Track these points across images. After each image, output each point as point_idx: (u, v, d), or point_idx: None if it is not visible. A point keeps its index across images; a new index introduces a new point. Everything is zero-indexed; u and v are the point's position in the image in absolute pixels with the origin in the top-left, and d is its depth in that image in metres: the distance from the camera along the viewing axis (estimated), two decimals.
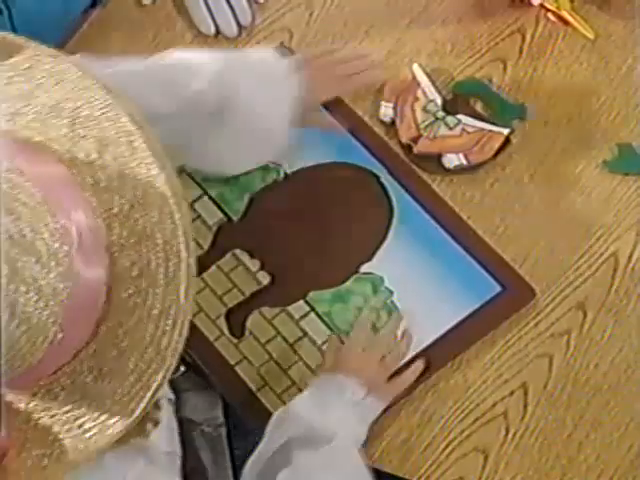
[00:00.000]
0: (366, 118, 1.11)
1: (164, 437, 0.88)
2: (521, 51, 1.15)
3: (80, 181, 0.64)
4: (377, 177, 1.08)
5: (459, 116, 1.10)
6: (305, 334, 1.02)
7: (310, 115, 1.02)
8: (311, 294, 1.04)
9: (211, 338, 1.02)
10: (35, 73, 0.66)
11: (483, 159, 1.09)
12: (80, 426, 0.66)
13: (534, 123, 1.11)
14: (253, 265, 1.05)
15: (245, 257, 1.05)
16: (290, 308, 1.03)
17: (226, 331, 1.03)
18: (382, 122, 1.11)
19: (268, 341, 1.03)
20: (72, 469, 0.66)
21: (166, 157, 0.64)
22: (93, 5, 1.19)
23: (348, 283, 1.04)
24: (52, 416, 0.67)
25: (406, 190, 1.08)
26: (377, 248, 1.05)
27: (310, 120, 1.02)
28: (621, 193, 1.08)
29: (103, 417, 0.66)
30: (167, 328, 0.64)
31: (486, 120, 1.11)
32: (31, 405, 0.67)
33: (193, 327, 1.02)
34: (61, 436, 0.67)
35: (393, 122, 1.11)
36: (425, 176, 1.09)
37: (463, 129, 1.10)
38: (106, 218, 0.64)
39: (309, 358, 1.01)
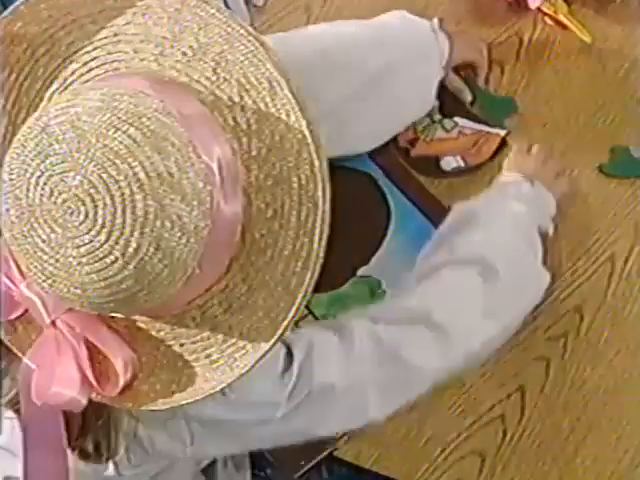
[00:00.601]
0: None
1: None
2: (518, 55, 1.16)
3: (222, 122, 0.66)
4: (374, 180, 1.09)
5: (456, 118, 1.11)
6: None
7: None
8: (309, 297, 1.03)
9: None
10: (184, 15, 0.67)
11: (481, 161, 1.09)
12: (208, 356, 0.69)
13: (531, 126, 1.11)
14: None
15: None
16: None
17: None
18: None
19: None
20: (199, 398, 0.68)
21: (307, 105, 0.66)
22: None
23: (345, 286, 1.04)
24: (181, 345, 0.69)
25: (403, 193, 1.08)
26: (374, 251, 1.06)
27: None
28: (618, 196, 1.08)
29: (230, 350, 0.68)
30: (297, 269, 0.66)
31: (483, 122, 1.11)
32: (162, 333, 0.70)
33: None
34: (189, 364, 0.69)
35: None
36: (422, 179, 1.09)
37: (460, 131, 1.10)
38: (245, 160, 0.66)
39: None
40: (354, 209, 1.07)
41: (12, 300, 0.70)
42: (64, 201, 0.60)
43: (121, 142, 0.60)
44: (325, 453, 0.96)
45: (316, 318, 1.03)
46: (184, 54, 0.68)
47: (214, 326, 0.68)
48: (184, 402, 0.69)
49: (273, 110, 0.66)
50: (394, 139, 1.10)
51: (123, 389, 0.69)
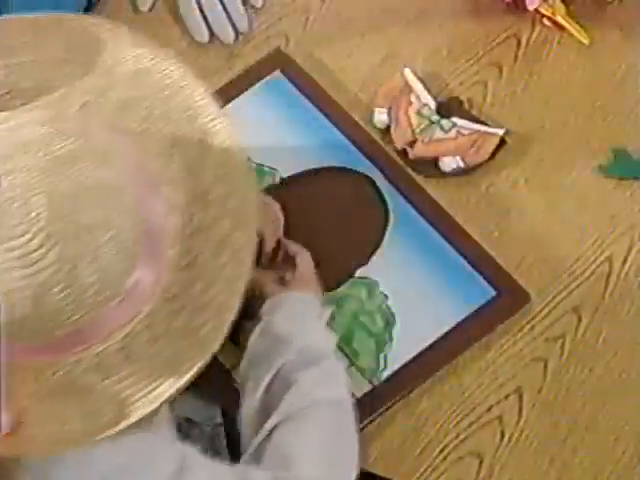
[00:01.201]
0: (362, 123, 1.12)
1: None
2: (517, 56, 1.16)
3: (151, 172, 0.67)
4: (372, 181, 1.09)
5: (454, 119, 1.11)
6: None
7: None
8: None
9: None
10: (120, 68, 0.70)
11: (480, 161, 1.09)
12: (125, 389, 0.67)
13: (530, 127, 1.11)
14: None
15: None
16: None
17: None
18: (377, 129, 1.12)
19: None
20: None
21: (241, 154, 0.68)
22: (87, 9, 1.19)
23: (343, 287, 1.04)
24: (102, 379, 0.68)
25: (401, 194, 1.08)
26: (372, 252, 1.06)
27: None
28: (616, 198, 1.08)
29: (127, 400, 0.66)
30: (210, 318, 0.66)
31: (480, 122, 1.11)
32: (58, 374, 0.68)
33: None
34: (83, 408, 0.67)
35: (388, 128, 1.11)
36: (420, 180, 1.09)
37: (458, 132, 1.10)
38: (171, 209, 0.67)
39: None
40: (352, 210, 1.08)
41: None
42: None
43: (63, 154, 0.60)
44: None
45: None
46: (116, 104, 0.69)
47: (109, 375, 0.67)
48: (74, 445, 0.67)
49: (203, 161, 0.67)
50: (391, 141, 1.10)
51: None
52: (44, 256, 0.59)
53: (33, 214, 0.60)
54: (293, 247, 1.01)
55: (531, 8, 1.14)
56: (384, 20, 1.18)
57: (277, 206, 1.03)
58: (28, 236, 0.59)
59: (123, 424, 0.66)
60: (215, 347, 0.67)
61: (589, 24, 1.15)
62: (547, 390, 1.00)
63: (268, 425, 0.87)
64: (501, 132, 1.10)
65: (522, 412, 1.00)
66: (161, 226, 0.66)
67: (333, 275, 1.04)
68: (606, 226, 1.07)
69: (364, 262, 1.05)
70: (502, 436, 0.99)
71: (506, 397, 1.00)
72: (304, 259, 1.00)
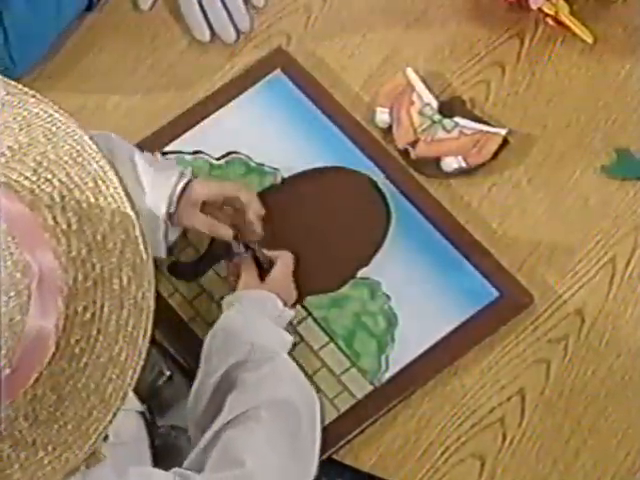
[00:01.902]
0: (364, 123, 1.11)
1: (130, 452, 0.87)
2: (519, 55, 1.15)
3: (42, 222, 0.64)
4: (374, 182, 1.08)
5: (456, 118, 1.10)
6: (302, 339, 1.02)
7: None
8: (308, 299, 1.03)
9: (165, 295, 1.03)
10: (4, 116, 0.67)
11: (482, 161, 1.09)
12: (7, 477, 0.64)
13: (533, 127, 1.11)
14: None
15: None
16: None
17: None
18: (379, 128, 1.11)
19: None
20: None
21: (133, 202, 0.65)
22: (88, 9, 1.19)
23: (345, 288, 1.04)
24: None
25: (404, 194, 1.07)
26: (374, 253, 1.05)
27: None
28: (619, 198, 1.07)
29: (33, 467, 0.64)
30: (113, 376, 0.63)
31: (483, 122, 1.10)
32: None
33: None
34: None
35: (390, 128, 1.11)
36: (423, 180, 1.09)
37: (460, 131, 1.10)
38: (63, 261, 0.64)
39: (305, 363, 1.00)
40: (353, 210, 1.08)
41: None
42: None
43: None
44: (324, 456, 0.95)
45: (315, 320, 1.02)
46: (2, 154, 0.66)
47: (16, 442, 0.64)
48: None
49: (96, 210, 0.64)
50: (393, 141, 1.10)
51: None
52: None
53: None
54: (275, 252, 1.02)
55: (534, 7, 1.13)
56: (386, 19, 1.18)
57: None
58: None
59: None
60: (118, 405, 0.64)
61: (593, 23, 1.15)
62: (550, 392, 1.00)
63: (215, 426, 0.87)
64: (504, 132, 1.09)
65: (524, 414, 0.99)
66: (54, 276, 0.63)
67: (335, 276, 1.04)
68: (609, 227, 1.06)
69: (366, 263, 1.05)
70: (504, 438, 0.99)
71: (508, 399, 1.00)
72: (283, 261, 1.01)
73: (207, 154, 1.11)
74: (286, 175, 1.09)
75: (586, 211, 1.07)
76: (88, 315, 0.63)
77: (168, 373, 0.99)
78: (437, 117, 1.10)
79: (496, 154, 1.09)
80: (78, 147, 0.65)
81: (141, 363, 0.64)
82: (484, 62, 1.15)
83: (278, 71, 1.15)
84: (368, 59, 1.16)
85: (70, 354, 0.63)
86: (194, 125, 1.13)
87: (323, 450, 0.94)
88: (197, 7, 1.16)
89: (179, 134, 1.12)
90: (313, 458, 0.90)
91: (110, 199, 0.64)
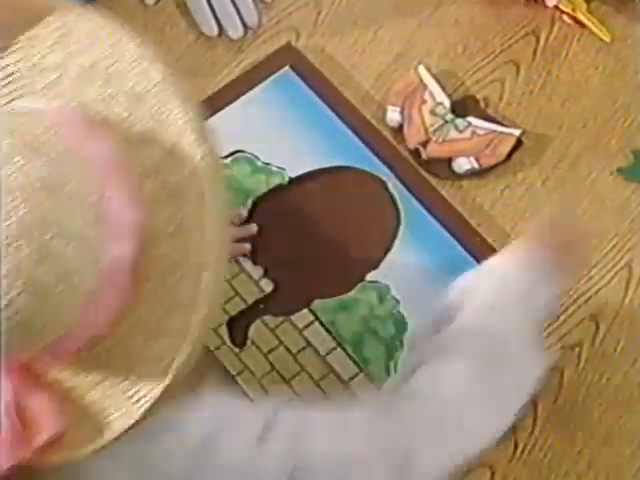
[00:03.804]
0: (374, 122, 1.10)
1: None
2: (535, 53, 1.14)
3: (113, 140, 0.65)
4: (384, 182, 1.07)
5: (469, 118, 1.09)
6: (309, 344, 1.00)
7: None
8: (315, 303, 1.02)
9: (212, 347, 1.00)
10: (68, 40, 0.68)
11: (495, 162, 1.08)
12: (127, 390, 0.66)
13: (548, 128, 1.10)
14: (256, 272, 1.03)
15: (248, 264, 1.03)
16: (293, 317, 1.01)
17: (227, 340, 1.01)
18: (389, 127, 1.10)
19: (270, 351, 1.01)
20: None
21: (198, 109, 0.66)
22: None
23: (353, 292, 1.02)
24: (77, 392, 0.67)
25: (414, 196, 1.06)
26: (384, 256, 1.04)
27: None
28: (636, 201, 1.06)
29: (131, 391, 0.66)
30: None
31: (496, 122, 1.09)
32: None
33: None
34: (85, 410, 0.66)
35: (400, 127, 1.09)
36: (434, 182, 1.08)
37: (473, 131, 1.08)
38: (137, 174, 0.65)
39: (312, 369, 0.99)
40: (362, 211, 1.06)
41: None
42: None
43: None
44: None
45: (323, 325, 1.01)
46: (72, 78, 0.68)
47: (108, 373, 0.66)
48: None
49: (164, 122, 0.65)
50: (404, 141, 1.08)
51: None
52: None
53: None
54: None
55: (550, 5, 1.13)
56: (398, 15, 1.16)
57: None
58: None
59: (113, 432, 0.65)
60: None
61: (610, 21, 1.14)
62: (563, 400, 0.99)
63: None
64: (517, 132, 1.08)
65: (536, 422, 0.98)
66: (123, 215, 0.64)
67: (343, 279, 1.03)
68: (625, 231, 1.05)
69: (375, 266, 1.03)
70: (515, 447, 0.97)
71: None
72: None
73: None
74: (293, 175, 1.07)
75: (602, 214, 1.06)
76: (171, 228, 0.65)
77: None
78: (449, 116, 1.09)
79: (510, 155, 1.08)
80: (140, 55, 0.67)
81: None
82: (498, 60, 1.14)
83: (287, 68, 1.13)
84: (379, 56, 1.15)
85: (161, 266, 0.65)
86: None
87: None
88: (204, 1, 1.15)
89: None
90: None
91: (176, 110, 0.65)
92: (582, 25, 1.14)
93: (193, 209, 0.64)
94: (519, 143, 1.08)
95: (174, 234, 0.64)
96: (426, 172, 1.08)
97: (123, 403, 0.66)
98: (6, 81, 0.68)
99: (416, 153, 1.08)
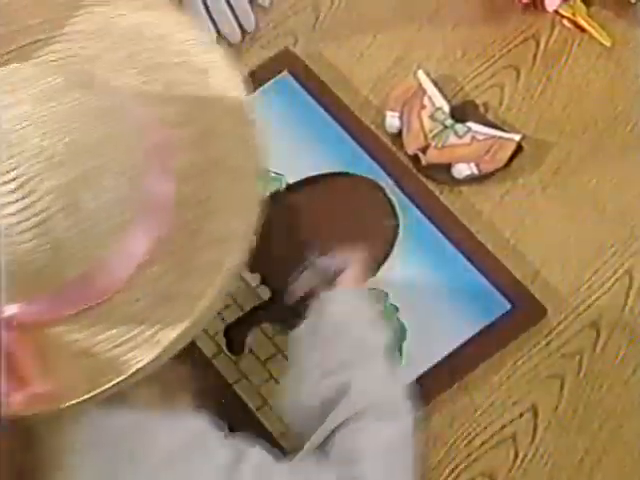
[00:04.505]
0: (373, 127, 1.10)
1: None
2: (535, 58, 1.14)
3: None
4: (383, 188, 1.06)
5: (469, 124, 1.09)
6: None
7: None
8: None
9: (209, 355, 1.00)
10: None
11: (495, 167, 1.07)
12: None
13: (548, 133, 1.09)
14: (253, 279, 1.02)
15: (245, 272, 1.02)
16: None
17: (225, 348, 1.00)
18: (388, 133, 1.10)
19: (268, 359, 1.00)
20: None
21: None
22: None
23: None
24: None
25: (413, 202, 1.06)
26: (382, 262, 1.03)
27: None
28: (636, 207, 1.06)
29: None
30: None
31: (496, 127, 1.09)
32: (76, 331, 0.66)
33: (190, 343, 1.01)
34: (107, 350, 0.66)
35: (400, 133, 1.09)
36: (433, 187, 1.07)
37: (473, 137, 1.08)
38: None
39: None
40: (360, 218, 1.06)
41: None
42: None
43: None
44: None
45: None
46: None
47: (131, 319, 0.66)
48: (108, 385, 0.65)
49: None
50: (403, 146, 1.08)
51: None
52: (39, 186, 0.59)
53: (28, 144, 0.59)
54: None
55: (550, 9, 1.13)
56: (397, 20, 1.17)
57: None
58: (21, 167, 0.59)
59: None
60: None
61: (611, 25, 1.14)
62: (563, 409, 0.98)
63: (330, 421, 0.82)
64: (517, 138, 1.07)
65: (537, 431, 0.98)
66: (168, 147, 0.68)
67: None
68: (626, 237, 1.05)
69: (373, 273, 1.02)
70: (516, 456, 0.97)
71: (520, 415, 0.98)
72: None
73: None
74: (291, 181, 1.07)
75: (602, 220, 1.05)
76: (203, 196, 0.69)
77: None
78: (449, 122, 1.08)
79: (510, 161, 1.07)
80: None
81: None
82: (498, 65, 1.14)
83: (285, 73, 1.13)
84: (378, 61, 1.15)
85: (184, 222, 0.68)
86: None
87: None
88: (201, 6, 1.15)
89: None
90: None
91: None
92: (582, 30, 1.13)
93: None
94: (519, 148, 1.08)
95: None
96: (425, 178, 1.07)
97: (143, 344, 0.66)
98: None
99: (415, 159, 1.08)
